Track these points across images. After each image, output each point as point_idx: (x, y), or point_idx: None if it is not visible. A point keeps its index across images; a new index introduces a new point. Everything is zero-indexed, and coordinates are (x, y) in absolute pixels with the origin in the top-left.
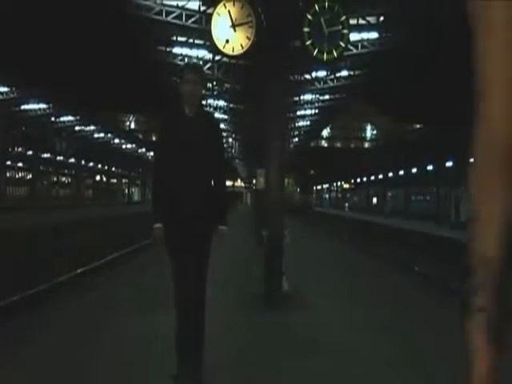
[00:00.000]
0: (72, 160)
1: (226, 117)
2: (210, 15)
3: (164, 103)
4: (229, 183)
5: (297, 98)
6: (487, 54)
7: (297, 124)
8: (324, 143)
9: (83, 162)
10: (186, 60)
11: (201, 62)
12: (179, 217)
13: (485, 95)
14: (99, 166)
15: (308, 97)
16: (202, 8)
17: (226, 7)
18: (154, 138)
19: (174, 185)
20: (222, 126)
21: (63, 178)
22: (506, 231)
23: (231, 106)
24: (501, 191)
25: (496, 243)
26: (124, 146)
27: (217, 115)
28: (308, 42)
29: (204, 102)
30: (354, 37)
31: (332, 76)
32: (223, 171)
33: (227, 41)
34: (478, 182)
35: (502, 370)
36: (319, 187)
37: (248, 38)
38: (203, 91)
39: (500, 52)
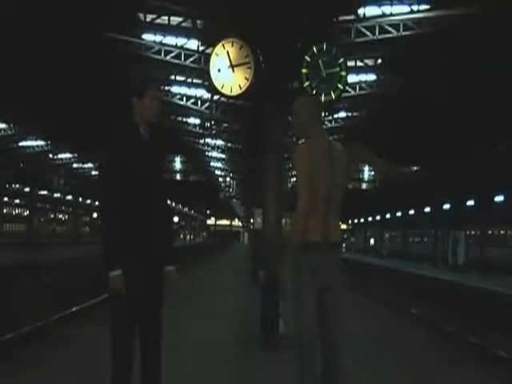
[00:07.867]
0: (69, 197)
1: (223, 156)
2: (209, 55)
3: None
4: (226, 222)
5: (295, 139)
6: (298, 177)
7: None
8: None
9: (80, 199)
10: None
11: (199, 102)
12: (141, 258)
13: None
14: (96, 203)
15: None
16: (201, 48)
17: (224, 48)
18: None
19: (133, 219)
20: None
21: (60, 215)
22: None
23: (229, 145)
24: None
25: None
26: None
27: (215, 154)
28: (306, 84)
29: (202, 141)
30: (351, 78)
31: (330, 117)
32: (168, 199)
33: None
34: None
35: None
36: None
37: (246, 79)
38: None
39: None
